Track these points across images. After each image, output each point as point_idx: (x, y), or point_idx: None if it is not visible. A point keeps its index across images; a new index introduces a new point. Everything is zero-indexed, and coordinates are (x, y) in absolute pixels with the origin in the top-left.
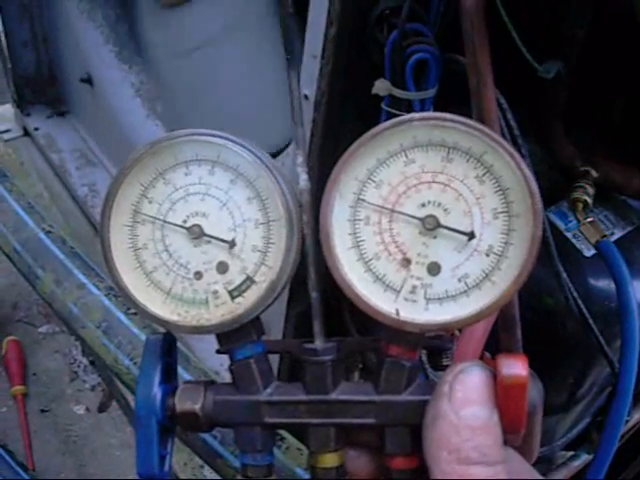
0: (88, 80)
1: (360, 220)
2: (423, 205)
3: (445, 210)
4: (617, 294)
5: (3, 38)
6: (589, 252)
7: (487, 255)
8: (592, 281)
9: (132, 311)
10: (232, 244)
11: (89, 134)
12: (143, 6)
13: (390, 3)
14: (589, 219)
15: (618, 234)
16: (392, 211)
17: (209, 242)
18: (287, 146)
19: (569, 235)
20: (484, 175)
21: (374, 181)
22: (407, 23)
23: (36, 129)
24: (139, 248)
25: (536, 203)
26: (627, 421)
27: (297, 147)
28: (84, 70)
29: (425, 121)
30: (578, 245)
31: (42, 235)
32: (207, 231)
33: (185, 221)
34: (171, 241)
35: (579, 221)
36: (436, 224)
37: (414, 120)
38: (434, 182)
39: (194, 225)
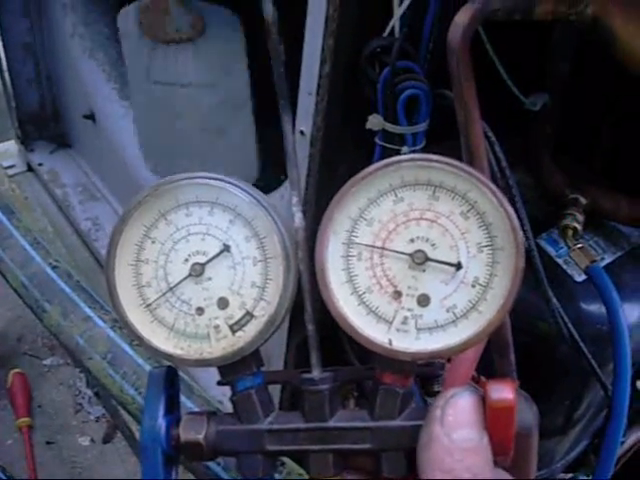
0: (91, 116)
1: (353, 256)
2: (412, 241)
3: (433, 245)
4: (608, 317)
5: (7, 76)
6: (580, 277)
7: (473, 286)
8: (583, 305)
9: (137, 343)
10: (233, 281)
11: (92, 169)
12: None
13: (381, 42)
14: (579, 245)
15: (608, 259)
16: (383, 248)
17: (210, 279)
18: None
19: (560, 261)
20: (469, 211)
21: (366, 219)
22: (398, 61)
23: (40, 164)
24: (143, 286)
25: (518, 237)
26: (623, 442)
27: (292, 188)
28: (87, 107)
29: (412, 162)
30: (569, 271)
31: (49, 269)
32: (208, 269)
33: (187, 260)
34: (173, 279)
35: (569, 247)
36: (425, 258)
37: (402, 162)
38: (422, 219)
39: (195, 264)
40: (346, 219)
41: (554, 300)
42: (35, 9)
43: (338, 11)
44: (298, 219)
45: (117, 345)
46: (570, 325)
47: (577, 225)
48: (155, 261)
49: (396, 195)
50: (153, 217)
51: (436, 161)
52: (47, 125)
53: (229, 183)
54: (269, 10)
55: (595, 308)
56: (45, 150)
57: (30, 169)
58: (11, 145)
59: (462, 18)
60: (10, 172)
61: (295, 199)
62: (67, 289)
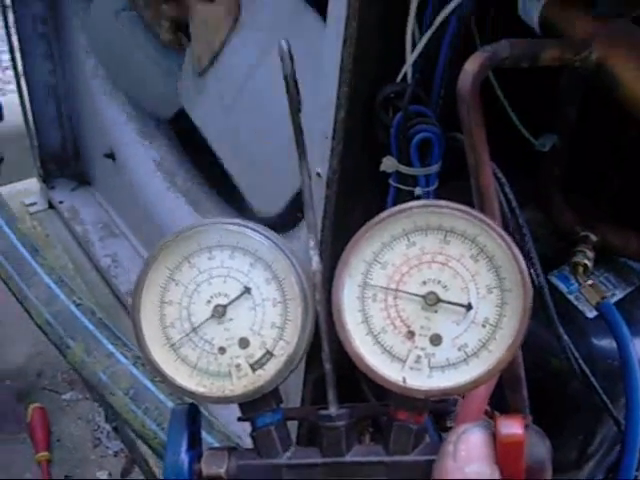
0: (111, 155)
1: (368, 298)
2: (424, 283)
3: (444, 287)
4: (619, 353)
5: (31, 117)
6: (591, 313)
7: (483, 326)
8: (595, 341)
9: (159, 379)
10: (253, 322)
11: (111, 206)
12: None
13: (394, 87)
14: (590, 282)
15: (619, 295)
16: (397, 290)
17: (231, 320)
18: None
19: (571, 297)
20: (478, 255)
21: (380, 262)
22: (410, 105)
23: (60, 202)
24: (167, 326)
25: (525, 279)
26: (637, 477)
27: (309, 231)
28: (107, 146)
29: (424, 208)
30: (580, 307)
31: (73, 307)
32: (230, 310)
33: (209, 301)
34: (197, 319)
35: (580, 284)
36: (436, 300)
37: (414, 208)
38: (433, 262)
39: (218, 305)
40: (361, 263)
41: (565, 337)
42: (57, 52)
43: (353, 58)
44: (315, 262)
45: (139, 381)
46: (581, 361)
47: (587, 262)
48: (179, 302)
49: (409, 239)
50: (177, 260)
51: (446, 207)
52: (68, 163)
53: (249, 228)
54: (288, 68)
55: (606, 344)
56: (66, 188)
57: (51, 206)
58: (33, 183)
59: (472, 66)
60: (32, 209)
61: (312, 242)
62: (90, 326)
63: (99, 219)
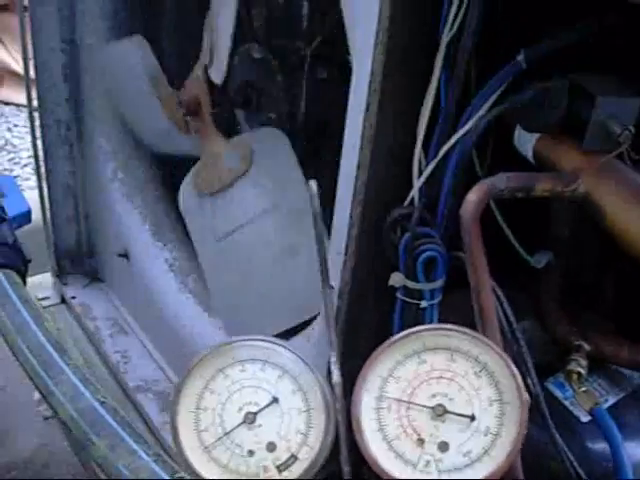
0: (125, 255)
1: (383, 408)
2: (433, 396)
3: (451, 399)
4: (612, 456)
5: (48, 214)
6: (585, 418)
7: (485, 435)
8: (590, 444)
9: (178, 475)
10: (280, 428)
11: (123, 304)
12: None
13: (402, 210)
14: (583, 389)
15: (612, 400)
16: (409, 402)
17: (260, 426)
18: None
19: (567, 403)
20: (481, 371)
21: (394, 377)
22: (417, 227)
23: (73, 297)
24: (202, 430)
25: (522, 394)
26: None
27: (330, 348)
28: (121, 246)
29: (433, 331)
30: (575, 412)
31: (97, 405)
32: (259, 417)
33: (240, 409)
34: (229, 425)
35: (575, 391)
36: (444, 411)
37: (423, 331)
38: (441, 377)
39: (249, 412)
40: (377, 378)
41: (560, 441)
42: (78, 155)
43: (365, 182)
44: (336, 376)
45: (160, 477)
46: (576, 464)
47: (581, 370)
48: (213, 409)
49: (419, 357)
50: (212, 371)
51: (454, 330)
52: (82, 261)
53: (278, 345)
54: (315, 207)
55: (601, 447)
56: (79, 284)
57: (63, 301)
58: (46, 278)
59: (473, 197)
60: (44, 303)
61: (333, 358)
62: (114, 424)
63: (110, 316)
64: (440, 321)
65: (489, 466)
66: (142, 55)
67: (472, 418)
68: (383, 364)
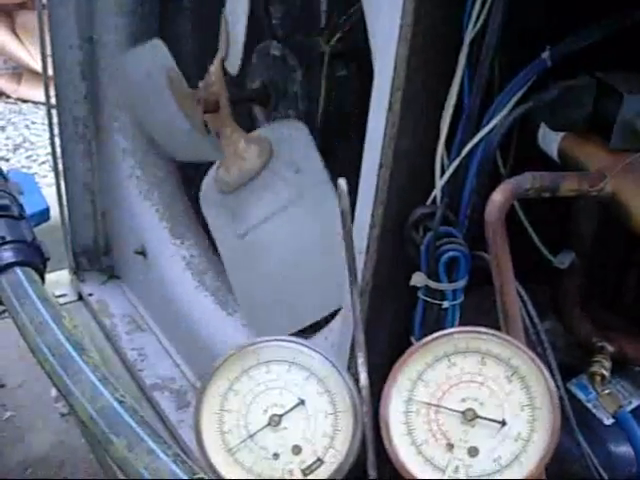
0: (142, 252)
1: (412, 412)
2: (463, 400)
3: (481, 404)
4: (636, 460)
5: (66, 212)
6: (609, 421)
7: (516, 440)
8: (613, 448)
9: (198, 476)
10: (306, 431)
11: (139, 301)
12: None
13: (425, 210)
14: (607, 391)
15: (635, 403)
16: (438, 406)
17: (286, 428)
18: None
19: (590, 405)
20: (512, 375)
21: (423, 380)
22: (440, 227)
23: (90, 295)
24: (225, 432)
25: (554, 398)
26: None
27: (357, 350)
28: (139, 243)
29: (464, 334)
30: (598, 415)
31: (116, 404)
32: (284, 420)
33: (265, 411)
34: (253, 427)
35: (598, 393)
36: (474, 415)
37: (455, 333)
38: (472, 381)
39: (274, 415)
40: (407, 380)
41: (584, 444)
42: (96, 152)
43: (388, 181)
44: (363, 379)
45: (179, 478)
46: (600, 468)
47: (604, 372)
48: (237, 411)
49: (449, 361)
50: (237, 372)
51: (485, 333)
52: (99, 258)
53: (304, 346)
54: (345, 205)
55: (624, 451)
56: (96, 281)
57: (80, 298)
58: (64, 275)
59: (498, 197)
60: (62, 300)
61: (361, 360)
62: (133, 423)
63: (127, 313)
64: (461, 322)
65: (519, 472)
66: (160, 58)
67: (503, 423)
68: (413, 366)
